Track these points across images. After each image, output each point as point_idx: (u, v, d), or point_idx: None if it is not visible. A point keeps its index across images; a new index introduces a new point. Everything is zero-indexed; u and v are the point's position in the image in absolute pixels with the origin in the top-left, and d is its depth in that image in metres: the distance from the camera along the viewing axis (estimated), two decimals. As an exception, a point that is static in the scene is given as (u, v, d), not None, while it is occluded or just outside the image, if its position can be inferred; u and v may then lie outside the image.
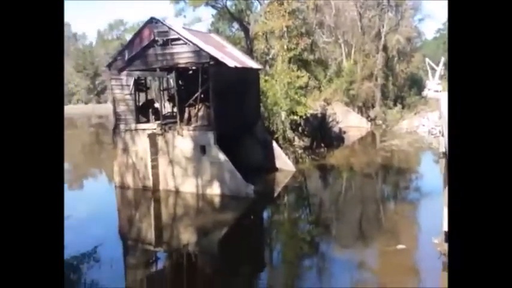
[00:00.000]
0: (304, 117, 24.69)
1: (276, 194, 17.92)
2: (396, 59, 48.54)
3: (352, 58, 41.98)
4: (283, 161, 20.07)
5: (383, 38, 42.18)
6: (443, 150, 17.94)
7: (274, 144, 20.30)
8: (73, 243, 8.16)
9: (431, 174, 20.21)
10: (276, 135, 22.12)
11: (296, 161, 21.69)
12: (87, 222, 12.87)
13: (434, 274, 9.67)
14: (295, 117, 24.04)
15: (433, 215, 12.01)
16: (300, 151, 23.10)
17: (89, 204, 15.72)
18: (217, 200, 15.96)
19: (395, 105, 43.29)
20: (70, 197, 18.71)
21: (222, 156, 15.86)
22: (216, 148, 15.94)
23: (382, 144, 30.36)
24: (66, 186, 21.88)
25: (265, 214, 15.99)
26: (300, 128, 25.76)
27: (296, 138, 24.66)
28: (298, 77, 25.11)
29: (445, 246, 10.07)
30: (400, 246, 10.78)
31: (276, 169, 19.82)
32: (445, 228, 10.22)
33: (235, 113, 17.51)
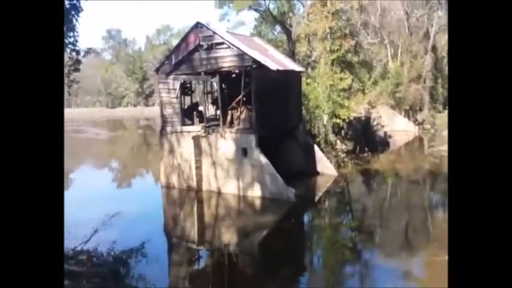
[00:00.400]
0: (347, 120, 24.21)
1: (317, 198, 17.71)
2: (446, 60, 46.17)
3: (399, 59, 40.52)
4: (325, 165, 19.79)
5: (432, 38, 40.31)
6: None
7: (316, 148, 20.08)
8: (122, 238, 8.61)
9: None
10: (317, 139, 21.87)
11: (338, 166, 21.29)
12: (135, 219, 13.47)
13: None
14: (338, 121, 23.64)
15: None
16: (342, 155, 22.65)
17: (136, 203, 16.46)
18: (258, 202, 16.08)
19: (444, 108, 41.16)
20: (119, 195, 19.74)
21: (263, 159, 15.96)
22: (257, 151, 16.07)
23: (431, 149, 28.98)
24: (115, 184, 23.11)
25: (306, 218, 15.87)
26: (342, 132, 25.29)
27: (338, 142, 24.21)
28: (341, 79, 24.68)
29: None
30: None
31: (318, 173, 19.59)
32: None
33: (276, 116, 17.56)
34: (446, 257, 8.99)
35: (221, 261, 11.00)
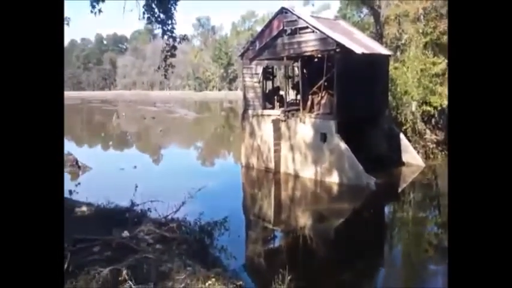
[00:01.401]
0: (439, 108, 22.26)
1: (400, 190, 16.80)
2: None
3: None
4: (411, 155, 18.58)
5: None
6: None
7: (402, 136, 18.93)
8: (206, 212, 9.28)
9: None
10: (404, 127, 20.56)
11: (426, 156, 19.82)
12: (218, 195, 14.33)
13: None
14: (429, 108, 21.87)
15: None
16: (431, 146, 20.99)
17: (219, 180, 17.46)
18: (335, 188, 15.86)
19: None
20: (203, 171, 21.13)
21: (342, 145, 15.61)
22: (337, 137, 15.76)
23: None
24: (200, 162, 24.74)
25: (386, 209, 15.20)
26: (433, 120, 23.34)
27: (428, 131, 22.46)
28: (434, 63, 22.62)
29: None
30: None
31: (403, 163, 18.50)
32: None
33: (359, 102, 16.91)
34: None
35: (296, 243, 11.20)
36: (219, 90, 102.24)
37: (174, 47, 9.93)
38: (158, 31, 9.96)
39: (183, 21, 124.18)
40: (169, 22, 9.52)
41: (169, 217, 8.82)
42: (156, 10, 9.31)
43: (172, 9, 9.44)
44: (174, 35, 9.69)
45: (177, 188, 11.65)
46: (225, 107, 65.76)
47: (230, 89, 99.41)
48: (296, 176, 17.26)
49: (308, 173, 16.87)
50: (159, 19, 9.45)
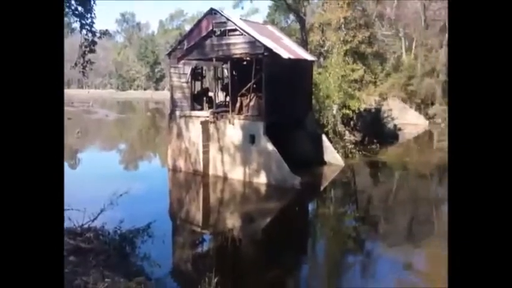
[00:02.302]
0: (357, 111, 24.05)
1: (322, 188, 17.79)
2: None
3: (413, 52, 39.88)
4: (332, 155, 19.80)
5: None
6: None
7: (324, 137, 20.07)
8: (128, 218, 8.80)
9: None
10: (326, 129, 21.81)
11: (346, 156, 21.26)
12: (142, 200, 13.72)
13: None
14: (348, 111, 23.50)
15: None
16: (350, 146, 22.58)
17: (143, 184, 16.72)
18: (263, 188, 16.22)
19: (457, 103, 40.59)
20: (126, 176, 20.05)
21: (270, 147, 16.04)
22: (264, 138, 16.15)
23: (440, 143, 28.71)
24: (122, 166, 23.45)
25: (310, 207, 15.98)
26: (351, 123, 25.14)
27: (347, 132, 24.11)
28: (353, 70, 24.45)
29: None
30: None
31: (325, 163, 19.62)
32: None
33: (286, 105, 17.55)
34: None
35: (224, 246, 11.19)
36: (145, 89, 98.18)
37: (94, 42, 9.30)
38: (76, 25, 9.27)
39: (105, 15, 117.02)
40: (88, 16, 8.91)
41: (86, 226, 8.17)
42: (73, 2, 8.64)
43: (92, 2, 8.84)
44: (93, 29, 9.09)
45: (95, 194, 10.86)
46: (150, 108, 63.36)
47: (157, 89, 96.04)
48: (225, 178, 17.29)
49: (237, 174, 17.00)
50: (76, 12, 8.79)
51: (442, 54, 39.31)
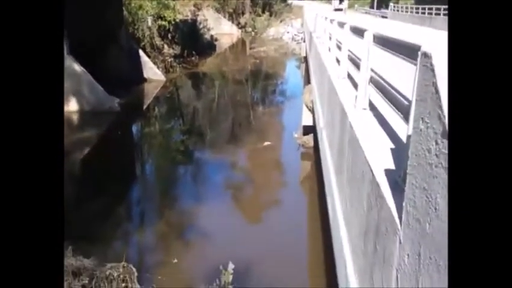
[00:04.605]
0: (173, 22, 22.96)
1: (145, 107, 17.06)
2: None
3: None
4: (152, 71, 18.84)
5: None
6: (304, 55, 19.38)
7: (141, 52, 18.67)
8: None
9: (294, 78, 21.90)
10: (142, 43, 20.26)
11: (166, 71, 20.62)
12: None
13: (295, 163, 11.14)
14: (164, 23, 22.20)
15: (295, 114, 13.28)
16: (170, 60, 21.90)
17: None
18: (75, 117, 14.28)
19: (263, 12, 43.62)
20: None
21: (78, 68, 13.87)
22: (69, 58, 13.73)
23: (252, 50, 30.98)
24: None
25: (134, 128, 15.23)
26: (169, 35, 24.05)
27: (166, 46, 23.10)
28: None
29: (303, 138, 11.50)
30: (266, 143, 11.82)
31: (145, 80, 18.58)
32: (303, 123, 11.52)
33: (92, 18, 15.05)
34: (265, 143, 10.23)
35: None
36: None
37: None
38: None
39: None
40: None
41: None
42: None
43: None
44: None
45: None
46: None
47: None
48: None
49: (40, 103, 14.33)
50: None
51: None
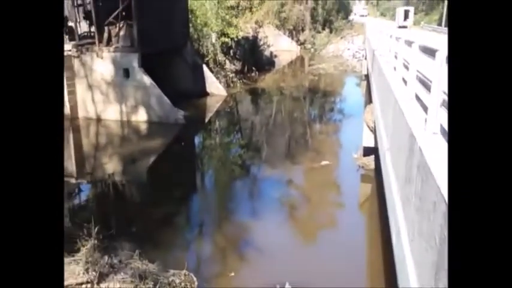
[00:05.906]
0: (235, 39, 23.84)
1: (207, 120, 17.78)
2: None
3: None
4: (215, 86, 19.63)
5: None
6: (365, 73, 18.98)
7: (205, 67, 19.57)
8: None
9: (354, 96, 21.49)
10: (206, 59, 21.24)
11: (227, 85, 21.36)
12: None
13: (353, 185, 10.84)
14: (227, 40, 23.12)
15: (354, 133, 13.02)
16: (231, 75, 22.68)
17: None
18: (144, 127, 15.35)
19: (323, 29, 43.61)
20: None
21: (147, 80, 14.93)
22: (140, 71, 14.87)
23: (310, 67, 31.00)
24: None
25: (196, 140, 15.93)
26: (231, 51, 24.98)
27: (227, 62, 23.99)
28: (228, -4, 23.60)
29: (363, 159, 11.18)
30: (324, 163, 11.66)
31: (207, 94, 19.41)
32: (364, 144, 11.23)
33: (161, 33, 16.17)
34: (323, 163, 10.05)
35: (105, 192, 10.49)
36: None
37: None
38: None
39: None
40: None
41: None
42: None
43: None
44: None
45: None
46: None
47: None
48: (98, 120, 15.69)
49: (112, 114, 15.59)
50: None
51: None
